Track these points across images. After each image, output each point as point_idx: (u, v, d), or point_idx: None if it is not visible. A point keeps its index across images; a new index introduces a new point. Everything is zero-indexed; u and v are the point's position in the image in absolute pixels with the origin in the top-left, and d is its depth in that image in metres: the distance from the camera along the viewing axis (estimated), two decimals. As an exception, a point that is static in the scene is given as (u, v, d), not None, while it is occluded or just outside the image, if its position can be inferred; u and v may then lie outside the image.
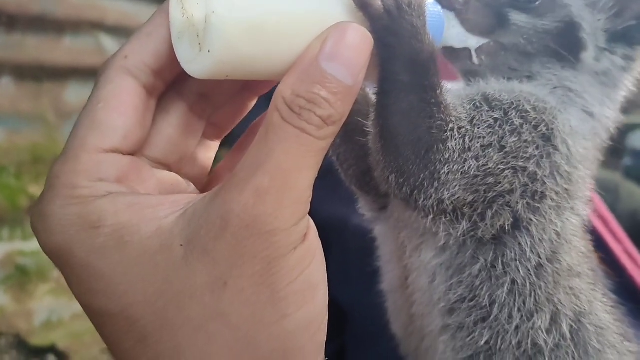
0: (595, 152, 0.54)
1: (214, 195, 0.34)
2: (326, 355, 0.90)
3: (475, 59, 0.51)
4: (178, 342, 0.34)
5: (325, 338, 0.38)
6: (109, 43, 1.41)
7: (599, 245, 0.81)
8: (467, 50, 0.51)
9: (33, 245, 1.25)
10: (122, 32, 1.41)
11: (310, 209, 0.83)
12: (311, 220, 0.37)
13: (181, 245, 0.34)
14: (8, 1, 1.24)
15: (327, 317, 0.38)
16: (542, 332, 0.50)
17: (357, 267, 0.62)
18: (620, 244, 0.82)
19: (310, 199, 0.36)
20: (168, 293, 0.34)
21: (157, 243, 0.34)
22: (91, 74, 1.38)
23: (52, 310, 1.23)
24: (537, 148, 0.48)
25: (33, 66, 1.30)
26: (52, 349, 1.22)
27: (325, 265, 0.38)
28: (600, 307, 0.54)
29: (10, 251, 1.21)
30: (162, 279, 0.34)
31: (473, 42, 0.51)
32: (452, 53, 0.52)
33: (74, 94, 1.35)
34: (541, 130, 0.48)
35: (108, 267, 0.34)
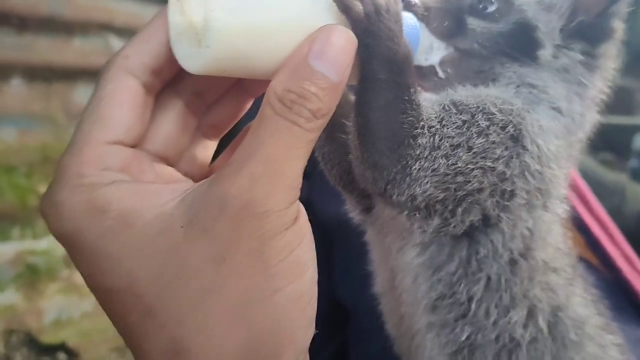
0: (570, 150, 0.55)
1: (211, 181, 0.37)
2: (329, 350, 0.91)
3: (440, 73, 0.54)
4: (180, 313, 0.36)
5: (314, 313, 0.40)
6: (118, 44, 1.42)
7: (595, 247, 0.82)
8: (431, 67, 0.53)
9: (43, 244, 1.27)
10: (130, 33, 1.42)
11: (315, 209, 0.84)
12: (301, 205, 0.39)
13: (182, 227, 0.36)
14: (18, 3, 1.26)
15: (316, 294, 0.40)
16: (519, 326, 0.51)
17: (359, 266, 0.63)
18: (617, 247, 0.83)
19: (299, 186, 0.38)
20: (170, 269, 0.36)
21: (158, 226, 0.36)
22: (100, 75, 1.39)
23: (61, 308, 1.24)
24: (506, 149, 0.49)
25: (43, 67, 1.31)
26: (62, 347, 1.23)
27: (314, 247, 0.40)
28: (579, 301, 0.55)
29: (20, 250, 1.22)
30: (164, 257, 0.36)
31: (435, 58, 0.53)
32: (419, 71, 0.54)
33: (83, 94, 1.37)
34: (509, 132, 0.50)
35: (114, 248, 0.36)
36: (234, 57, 0.37)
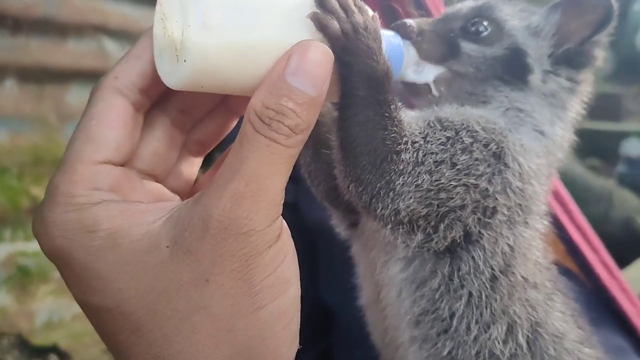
0: (550, 169, 0.56)
1: (195, 201, 0.38)
2: (314, 355, 0.91)
3: (434, 91, 0.55)
4: (167, 331, 0.37)
5: (298, 328, 0.41)
6: (112, 46, 1.42)
7: (576, 255, 0.83)
8: (426, 85, 0.55)
9: (35, 246, 1.26)
10: (125, 35, 1.42)
11: (301, 213, 0.85)
12: (284, 222, 0.40)
13: (167, 246, 0.37)
14: (12, 4, 1.25)
15: (299, 309, 0.41)
16: (499, 342, 0.52)
17: (344, 271, 0.64)
18: (596, 254, 0.84)
19: (282, 202, 0.39)
20: (157, 288, 0.37)
21: (146, 244, 0.37)
22: (93, 77, 1.39)
23: (53, 310, 1.24)
24: (488, 166, 0.50)
25: (36, 69, 1.31)
26: (53, 349, 1.23)
27: (297, 262, 0.41)
28: (558, 316, 0.56)
29: (12, 252, 1.22)
30: (151, 276, 0.37)
31: (430, 76, 0.54)
32: (414, 89, 0.55)
33: (76, 96, 1.37)
34: (491, 149, 0.51)
35: (104, 267, 0.37)
36: (211, 73, 0.38)
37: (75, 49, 1.38)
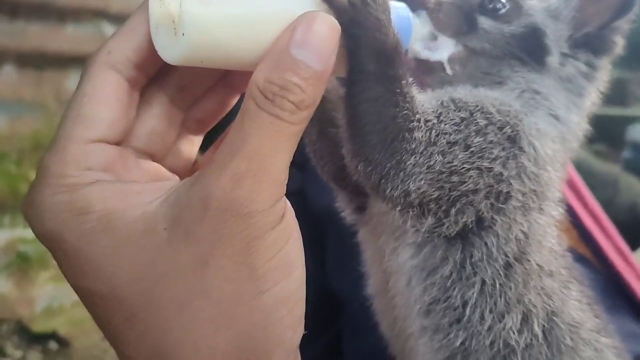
0: (565, 156, 0.55)
1: (194, 180, 0.36)
2: (322, 344, 0.91)
3: (448, 70, 0.53)
4: (164, 318, 0.36)
5: (303, 312, 0.39)
6: (111, 31, 1.40)
7: (588, 240, 0.82)
8: (439, 62, 0.53)
9: (35, 232, 1.26)
10: (125, 20, 1.41)
11: (308, 200, 0.84)
12: (288, 202, 0.38)
13: (165, 228, 0.35)
14: (10, -12, 1.24)
15: (304, 292, 0.39)
16: (514, 332, 0.51)
17: (352, 258, 0.63)
18: (610, 240, 0.83)
19: (286, 182, 0.37)
20: (153, 273, 0.35)
21: (141, 227, 0.35)
22: (93, 62, 1.38)
23: (53, 297, 1.24)
24: (503, 149, 0.49)
25: (35, 54, 1.30)
26: (53, 335, 1.23)
27: (302, 244, 0.39)
28: (574, 305, 0.54)
29: (11, 238, 1.22)
30: (147, 260, 0.35)
31: (444, 53, 0.52)
32: (426, 65, 0.53)
33: (76, 81, 1.34)
34: (506, 132, 0.49)
35: (97, 250, 0.35)
36: (211, 46, 0.36)
37: (75, 34, 1.37)
